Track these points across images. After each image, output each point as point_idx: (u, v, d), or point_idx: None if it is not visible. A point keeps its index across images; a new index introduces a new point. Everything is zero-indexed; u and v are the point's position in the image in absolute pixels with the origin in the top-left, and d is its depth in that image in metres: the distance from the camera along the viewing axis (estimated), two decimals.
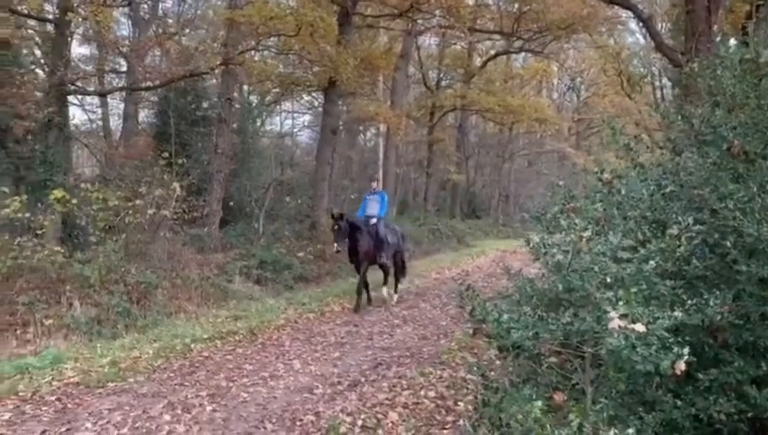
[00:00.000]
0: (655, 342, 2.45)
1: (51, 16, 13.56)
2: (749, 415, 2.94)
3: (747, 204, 3.06)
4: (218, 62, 13.44)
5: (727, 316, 2.91)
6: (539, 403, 2.60)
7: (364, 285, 9.98)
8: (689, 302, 2.77)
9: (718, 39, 9.99)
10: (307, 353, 7.15)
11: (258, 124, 25.88)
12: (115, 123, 26.36)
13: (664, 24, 20.82)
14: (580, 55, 32.88)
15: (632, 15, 15.82)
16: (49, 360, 6.32)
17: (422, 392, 5.53)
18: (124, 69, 20.89)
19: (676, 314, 2.57)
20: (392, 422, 4.78)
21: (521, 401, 2.69)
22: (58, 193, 9.35)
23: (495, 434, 2.93)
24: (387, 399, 5.37)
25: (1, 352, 6.88)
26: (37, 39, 18.62)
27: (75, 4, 11.37)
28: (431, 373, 6.13)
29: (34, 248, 8.36)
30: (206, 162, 17.33)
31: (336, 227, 9.45)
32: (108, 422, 4.80)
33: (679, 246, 2.84)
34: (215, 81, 19.83)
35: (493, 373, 3.83)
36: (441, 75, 30.14)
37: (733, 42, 3.61)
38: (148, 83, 15.21)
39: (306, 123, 35.79)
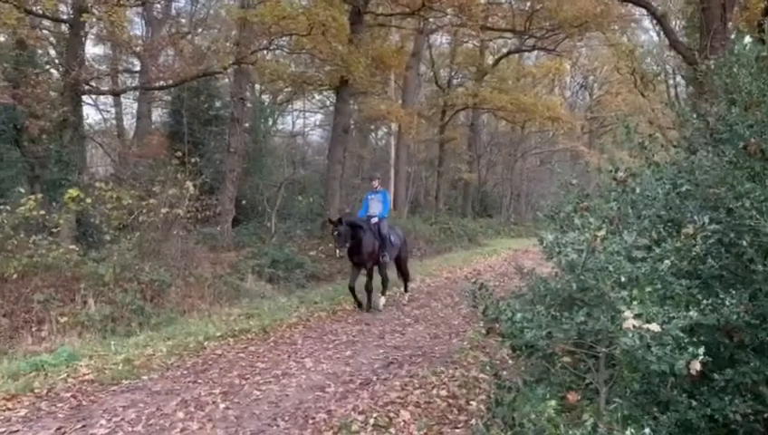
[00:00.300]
0: (670, 342, 2.43)
1: (65, 17, 13.69)
2: (765, 416, 2.91)
3: (764, 203, 3.02)
4: (231, 62, 13.51)
5: (743, 316, 2.88)
6: (553, 403, 2.59)
7: (351, 289, 9.65)
8: (705, 301, 2.75)
9: (733, 36, 9.88)
10: (319, 352, 7.16)
11: (270, 123, 26.02)
12: (129, 122, 26.64)
13: (678, 22, 20.64)
14: (593, 53, 32.68)
15: (646, 13, 15.73)
16: (64, 357, 6.38)
17: (434, 391, 5.52)
18: (138, 68, 21.05)
19: (691, 313, 2.55)
20: (404, 421, 4.78)
21: (534, 400, 2.68)
22: (73, 192, 9.43)
23: (508, 434, 2.92)
24: (399, 397, 5.37)
25: (17, 350, 6.96)
26: (52, 39, 18.80)
27: (89, 5, 11.46)
28: (443, 372, 6.12)
29: (49, 247, 8.45)
30: (218, 161, 17.47)
31: (336, 233, 9.20)
32: (122, 419, 4.84)
33: (695, 246, 2.82)
34: (227, 80, 19.98)
35: (505, 373, 3.83)
36: (453, 74, 30.07)
37: (748, 39, 3.56)
38: (162, 83, 15.32)
39: (318, 122, 35.95)
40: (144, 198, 9.94)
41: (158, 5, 23.30)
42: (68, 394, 5.46)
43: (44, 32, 17.89)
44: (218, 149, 18.79)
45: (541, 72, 30.43)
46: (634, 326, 2.39)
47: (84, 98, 15.21)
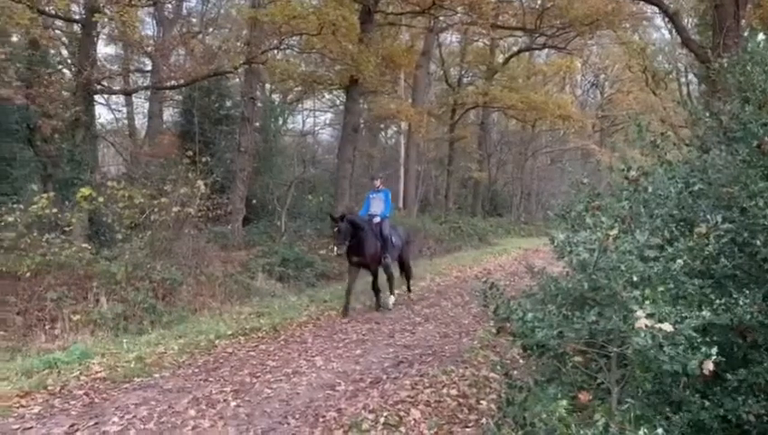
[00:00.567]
0: (682, 341, 2.42)
1: (77, 17, 13.79)
2: None
3: None
4: (242, 62, 13.56)
5: (757, 316, 2.86)
6: (564, 402, 2.58)
7: (347, 293, 9.37)
8: (718, 301, 2.73)
9: (746, 34, 9.80)
10: (329, 350, 7.18)
11: (280, 123, 26.08)
12: (140, 122, 26.79)
13: (690, 20, 20.47)
14: (604, 51, 32.47)
15: (658, 11, 15.62)
16: (77, 355, 6.43)
17: (444, 390, 5.51)
18: (149, 68, 21.18)
19: (704, 313, 2.53)
20: (414, 420, 4.79)
21: (545, 400, 2.68)
22: (85, 191, 9.50)
23: (519, 433, 2.91)
24: (409, 396, 5.37)
25: (30, 347, 7.03)
26: (64, 39, 18.95)
27: (101, 5, 11.54)
28: (453, 371, 6.11)
29: (62, 245, 8.52)
30: (229, 161, 17.54)
31: (336, 230, 8.95)
32: (134, 417, 4.88)
33: (707, 245, 2.80)
34: (238, 80, 20.04)
35: (516, 372, 3.82)
36: (463, 72, 29.99)
37: (762, 36, 3.53)
38: (173, 82, 15.41)
39: (328, 121, 35.98)
40: (156, 196, 9.99)
41: (170, 5, 23.41)
42: (81, 392, 5.50)
43: (57, 32, 18.06)
44: (229, 149, 18.87)
45: (551, 70, 30.31)
46: (646, 326, 2.38)
47: (96, 97, 15.31)
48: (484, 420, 4.58)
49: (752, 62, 3.51)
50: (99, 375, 5.96)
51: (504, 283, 12.09)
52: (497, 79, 27.99)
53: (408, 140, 23.17)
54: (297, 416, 4.93)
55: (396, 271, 10.47)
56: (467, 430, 4.56)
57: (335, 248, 9.04)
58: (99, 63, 13.82)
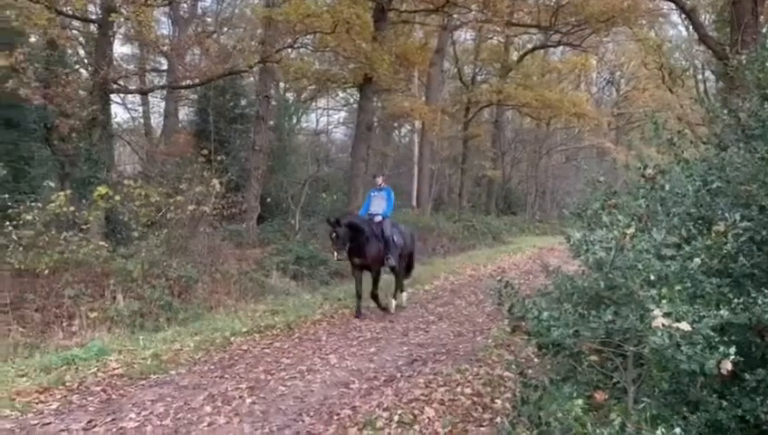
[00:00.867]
0: (700, 341, 2.40)
1: (94, 17, 13.92)
2: None
3: None
4: (256, 60, 13.60)
5: None
6: (580, 401, 2.58)
7: (357, 294, 9.20)
8: (736, 300, 2.70)
9: (765, 30, 9.67)
10: (343, 348, 7.20)
11: (294, 121, 26.18)
12: (156, 121, 26.96)
13: (707, 16, 20.25)
14: (620, 48, 32.19)
15: (674, 7, 15.44)
16: (94, 351, 6.51)
17: (458, 389, 5.51)
18: (165, 67, 21.31)
19: (722, 312, 2.51)
20: (429, 418, 4.79)
21: (561, 399, 2.67)
22: (102, 189, 9.58)
23: (534, 432, 2.90)
24: (423, 395, 5.38)
25: (48, 344, 7.11)
26: (81, 39, 19.13)
27: (118, 5, 11.62)
28: (467, 370, 6.11)
29: (80, 243, 8.59)
30: (243, 159, 17.61)
31: (334, 235, 8.63)
32: (151, 413, 4.93)
33: (726, 244, 2.78)
34: (252, 79, 20.11)
35: (530, 371, 3.80)
36: (477, 70, 29.89)
37: None
38: (188, 82, 15.48)
39: (341, 120, 36.03)
40: (171, 195, 10.05)
41: (185, 5, 23.54)
42: (98, 388, 5.57)
43: (74, 32, 18.23)
44: (243, 147, 18.94)
45: (566, 67, 30.13)
46: (663, 325, 2.36)
47: (113, 97, 15.44)
48: (498, 419, 4.57)
49: None
50: (116, 372, 6.02)
51: (519, 281, 12.00)
52: (511, 76, 27.85)
53: (422, 138, 23.15)
54: (312, 413, 4.95)
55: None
56: (482, 428, 4.55)
57: (335, 254, 8.82)
58: (115, 63, 13.93)
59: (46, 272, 7.99)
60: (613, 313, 2.61)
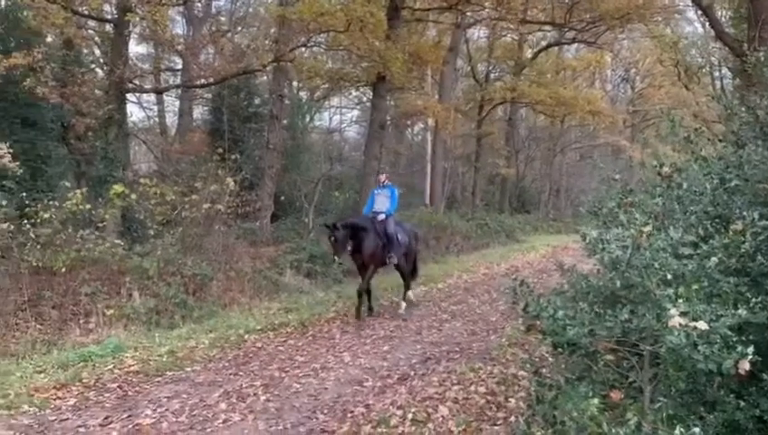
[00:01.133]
0: (717, 340, 2.37)
1: (110, 17, 14.04)
2: None
3: None
4: (270, 59, 13.65)
5: None
6: (595, 401, 2.56)
7: (367, 292, 8.99)
8: (754, 299, 2.67)
9: None
10: (357, 346, 7.22)
11: (307, 120, 26.22)
12: (171, 120, 27.13)
13: (724, 12, 19.98)
14: (635, 45, 31.87)
15: (690, 4, 15.29)
16: (110, 348, 6.59)
17: (472, 388, 5.50)
18: (179, 67, 21.44)
19: (739, 312, 2.48)
20: (442, 417, 4.79)
21: (576, 398, 2.65)
22: (118, 188, 9.67)
23: (549, 431, 2.89)
24: (436, 393, 5.38)
25: (65, 341, 7.20)
26: (97, 39, 19.30)
27: (133, 4, 11.71)
28: (481, 369, 6.10)
29: (96, 241, 8.67)
30: (257, 158, 17.69)
31: (333, 239, 8.46)
32: (167, 410, 4.98)
33: (744, 242, 2.74)
34: (266, 78, 20.18)
35: (545, 370, 3.79)
36: (490, 68, 29.72)
37: None
38: (203, 81, 15.60)
39: (354, 118, 36.00)
40: (186, 193, 10.13)
41: (199, 4, 23.69)
42: (114, 385, 5.63)
43: (90, 32, 18.40)
44: (257, 146, 19.03)
45: (581, 65, 29.87)
46: (680, 324, 2.34)
47: (128, 96, 15.57)
48: (512, 418, 4.56)
49: None
50: (132, 369, 6.09)
51: (533, 280, 11.98)
52: (525, 74, 27.69)
53: (435, 136, 23.07)
54: (325, 411, 4.97)
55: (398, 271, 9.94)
56: (496, 427, 4.54)
57: (335, 258, 8.69)
58: (131, 62, 14.05)
59: (63, 270, 8.07)
60: (629, 312, 2.59)
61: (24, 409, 4.92)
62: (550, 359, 5.23)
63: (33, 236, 8.13)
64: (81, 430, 4.57)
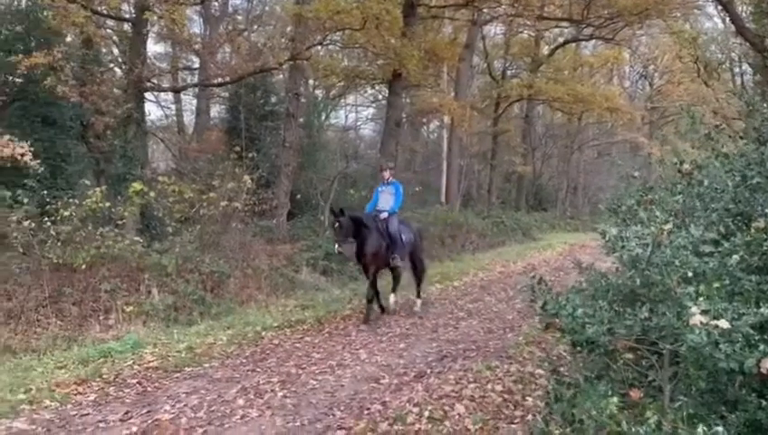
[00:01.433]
0: (739, 339, 2.35)
1: (128, 16, 14.17)
2: None
3: None
4: (286, 58, 13.68)
5: None
6: (614, 399, 2.54)
7: (374, 292, 8.61)
8: None
9: None
10: (373, 344, 7.23)
11: (323, 118, 26.26)
12: (188, 119, 27.36)
13: (744, 8, 19.69)
14: (654, 42, 31.51)
15: None
16: (130, 345, 6.67)
17: (489, 386, 5.49)
18: (197, 66, 21.59)
19: (762, 310, 2.45)
20: (459, 415, 4.78)
21: (595, 397, 2.64)
22: (137, 186, 9.76)
23: (567, 430, 2.88)
24: (453, 391, 5.37)
25: (86, 337, 7.29)
26: (115, 38, 19.50)
27: (151, 4, 11.80)
28: (498, 367, 6.08)
29: (115, 238, 8.76)
30: (274, 156, 17.74)
31: (336, 225, 8.03)
32: (185, 405, 5.02)
33: (765, 240, 2.71)
34: (282, 76, 20.24)
35: (563, 369, 3.77)
36: (507, 65, 29.56)
37: None
38: (220, 79, 15.70)
39: (370, 116, 36.03)
40: (204, 191, 10.20)
41: (216, 3, 23.82)
42: (134, 380, 5.70)
43: (108, 31, 18.58)
44: (274, 144, 19.08)
45: (599, 61, 29.58)
46: (701, 323, 2.32)
47: (146, 95, 15.71)
48: (530, 417, 4.55)
49: None
50: (151, 364, 6.16)
51: (550, 278, 11.88)
52: (542, 71, 27.49)
53: (451, 134, 23.00)
54: (342, 408, 4.99)
55: (406, 271, 9.69)
56: (513, 426, 4.53)
57: (336, 246, 8.18)
58: (149, 61, 14.17)
59: (83, 266, 8.16)
60: (649, 310, 2.57)
61: (45, 403, 4.99)
62: (567, 357, 5.21)
63: (53, 233, 8.23)
64: (102, 425, 4.63)
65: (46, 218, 8.46)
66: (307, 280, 11.24)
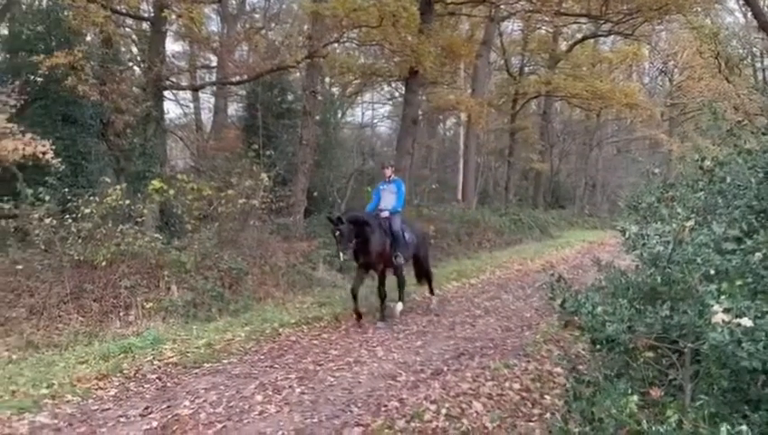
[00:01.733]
0: (762, 337, 2.31)
1: (147, 15, 14.29)
2: None
3: None
4: (303, 56, 13.70)
5: None
6: (634, 398, 2.52)
7: (353, 294, 8.29)
8: None
9: None
10: (390, 341, 7.24)
11: (340, 116, 26.30)
12: (206, 117, 27.50)
13: (766, 2, 19.37)
14: (674, 37, 31.07)
15: None
16: (150, 340, 6.74)
17: (506, 384, 5.48)
18: (214, 64, 21.71)
19: None
20: (476, 412, 4.78)
21: (615, 395, 2.62)
22: (156, 183, 9.86)
23: (587, 428, 2.86)
24: (470, 389, 5.37)
25: (106, 333, 7.39)
26: (134, 37, 19.67)
27: (169, 2, 11.88)
28: (516, 365, 6.06)
29: (135, 236, 8.85)
30: (291, 154, 17.81)
31: (337, 233, 7.82)
32: (204, 401, 5.07)
33: None
34: (299, 74, 20.30)
35: (582, 367, 3.75)
36: (524, 61, 29.32)
37: None
38: (237, 78, 15.75)
39: (386, 114, 36.00)
40: (222, 189, 10.27)
41: (234, 1, 23.94)
42: (154, 376, 5.76)
43: (128, 30, 18.77)
44: (291, 142, 19.16)
45: (617, 57, 29.21)
46: (723, 321, 2.29)
47: (165, 93, 15.83)
48: (548, 415, 4.53)
49: None
50: (171, 360, 6.22)
51: (569, 276, 11.81)
52: (560, 67, 27.23)
53: (468, 131, 22.90)
54: (359, 404, 5.00)
55: (410, 272, 9.62)
56: (531, 424, 4.51)
57: (340, 254, 8.01)
58: (167, 60, 14.28)
59: (104, 263, 8.27)
60: (670, 308, 2.55)
61: (67, 398, 5.07)
62: (586, 356, 5.17)
63: (74, 230, 8.34)
64: (122, 419, 4.69)
65: (67, 216, 8.58)
66: (324, 277, 11.27)
